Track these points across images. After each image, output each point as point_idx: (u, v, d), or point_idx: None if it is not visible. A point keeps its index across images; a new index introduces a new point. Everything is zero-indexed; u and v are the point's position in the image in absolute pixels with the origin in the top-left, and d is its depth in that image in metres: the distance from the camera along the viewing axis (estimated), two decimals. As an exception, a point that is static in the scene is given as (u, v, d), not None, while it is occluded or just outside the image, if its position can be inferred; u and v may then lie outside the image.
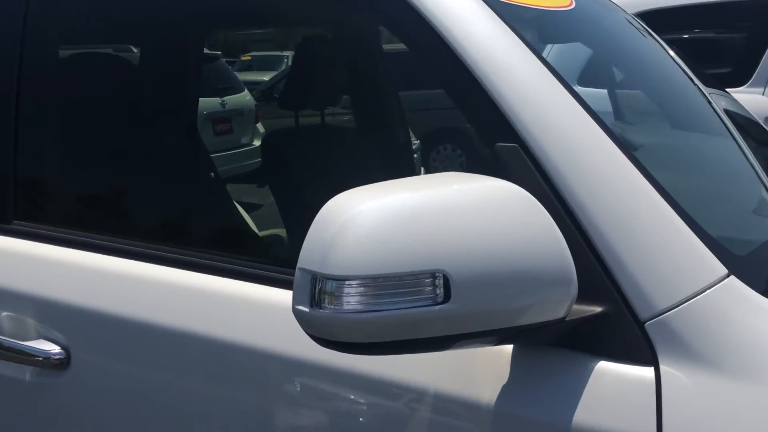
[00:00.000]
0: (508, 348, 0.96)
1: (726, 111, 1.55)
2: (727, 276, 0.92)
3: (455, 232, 0.79)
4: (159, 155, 2.13)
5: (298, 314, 0.79)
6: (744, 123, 1.68)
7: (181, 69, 2.44)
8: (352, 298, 0.77)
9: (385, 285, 0.77)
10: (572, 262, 0.86)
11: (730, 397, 0.85)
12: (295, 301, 0.80)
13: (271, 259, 1.77)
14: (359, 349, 0.80)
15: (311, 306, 0.78)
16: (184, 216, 2.09)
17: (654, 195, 0.94)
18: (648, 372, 0.89)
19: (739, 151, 1.38)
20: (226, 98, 7.25)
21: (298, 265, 0.80)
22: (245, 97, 7.74)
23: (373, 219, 0.78)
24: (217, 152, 6.64)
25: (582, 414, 0.89)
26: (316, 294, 0.77)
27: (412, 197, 0.80)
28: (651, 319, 0.89)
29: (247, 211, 2.84)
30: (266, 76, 11.24)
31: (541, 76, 1.01)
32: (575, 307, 0.90)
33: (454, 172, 0.91)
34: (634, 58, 1.56)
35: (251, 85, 8.44)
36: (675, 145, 1.25)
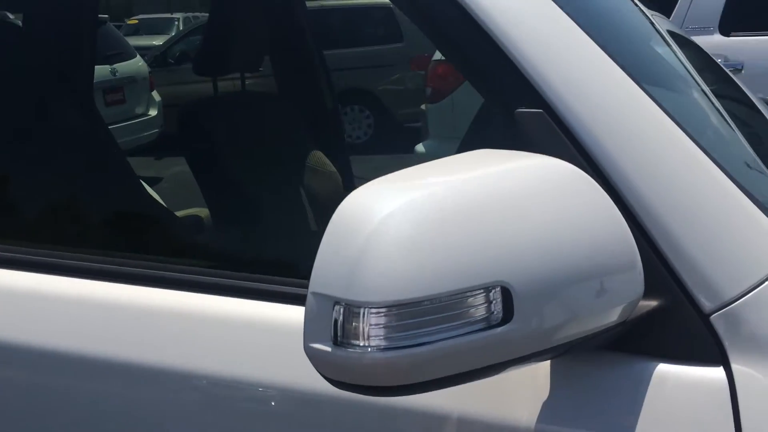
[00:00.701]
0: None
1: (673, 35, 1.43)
2: (797, 254, 0.79)
3: (513, 229, 0.61)
4: (51, 132, 1.84)
5: (314, 354, 0.60)
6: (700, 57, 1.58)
7: (74, 32, 2.13)
8: (390, 330, 0.58)
9: (431, 310, 0.59)
10: (638, 254, 0.70)
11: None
12: (310, 336, 0.60)
13: (193, 252, 1.53)
14: (399, 391, 0.61)
15: (335, 343, 0.58)
16: (86, 206, 1.82)
17: (710, 166, 0.80)
18: (717, 372, 0.75)
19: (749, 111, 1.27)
20: (117, 65, 6.72)
21: (311, 288, 0.60)
22: (137, 63, 7.23)
23: (409, 223, 0.59)
24: (109, 124, 6.16)
25: (644, 429, 0.75)
26: (340, 327, 0.58)
27: (453, 189, 0.62)
28: (717, 311, 0.76)
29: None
30: (156, 41, 10.60)
31: (564, 26, 0.84)
32: (631, 303, 0.75)
33: (483, 150, 0.73)
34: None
35: (141, 51, 7.88)
36: (700, 116, 1.11)
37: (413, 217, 0.59)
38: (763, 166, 1.12)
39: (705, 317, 0.76)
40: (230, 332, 0.94)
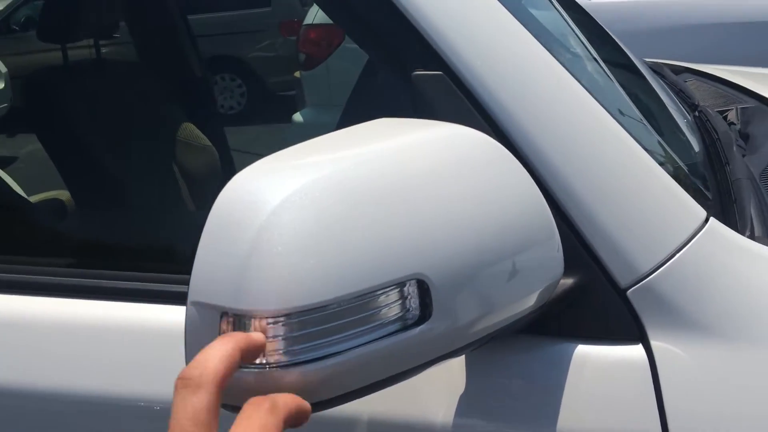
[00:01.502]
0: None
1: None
2: (707, 220, 0.76)
3: (426, 212, 0.53)
4: None
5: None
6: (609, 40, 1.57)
7: None
8: (291, 343, 0.48)
9: (338, 314, 0.49)
10: (557, 230, 0.64)
11: (738, 365, 0.70)
12: (191, 352, 0.49)
13: (50, 245, 1.36)
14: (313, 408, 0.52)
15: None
16: None
17: (621, 134, 0.75)
18: (637, 350, 0.71)
19: (644, 83, 1.24)
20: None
21: (191, 297, 0.49)
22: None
23: (307, 213, 0.48)
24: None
25: (566, 416, 0.70)
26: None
27: (354, 168, 0.52)
28: (633, 286, 0.71)
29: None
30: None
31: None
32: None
33: (382, 119, 0.64)
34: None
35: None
36: (604, 84, 1.07)
37: (310, 205, 0.49)
38: (657, 132, 1.10)
39: (622, 293, 0.72)
40: (98, 340, 0.81)
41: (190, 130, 2.27)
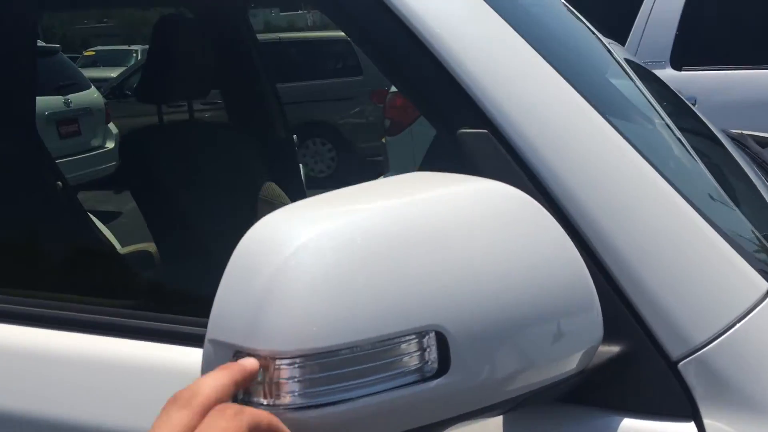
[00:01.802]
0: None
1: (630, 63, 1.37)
2: (769, 292, 0.71)
3: (449, 264, 0.52)
4: None
5: (212, 417, 0.49)
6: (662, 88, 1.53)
7: (9, 59, 2.02)
8: (302, 386, 0.48)
9: (352, 360, 0.49)
10: (596, 294, 0.61)
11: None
12: (207, 394, 0.49)
13: (140, 296, 1.41)
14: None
15: (234, 400, 0.48)
16: (26, 241, 1.70)
17: (675, 198, 0.72)
18: (688, 428, 0.66)
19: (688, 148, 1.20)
20: (71, 96, 6.55)
21: (208, 335, 0.50)
22: (92, 94, 7.06)
23: (326, 257, 0.49)
24: (65, 157, 5.99)
25: (607, 494, 0.66)
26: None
27: (379, 217, 0.52)
28: (685, 358, 0.67)
29: (103, 222, 2.43)
30: (114, 73, 10.44)
31: (512, 44, 0.76)
32: (589, 349, 0.66)
33: (417, 172, 0.64)
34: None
35: (98, 83, 7.71)
36: (663, 147, 1.04)
37: (331, 248, 0.49)
38: (728, 200, 1.05)
39: (673, 365, 0.67)
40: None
41: (272, 189, 2.34)
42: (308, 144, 7.06)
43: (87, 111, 6.67)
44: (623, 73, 1.26)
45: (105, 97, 7.45)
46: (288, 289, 0.47)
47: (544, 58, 0.77)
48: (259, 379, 0.47)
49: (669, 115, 1.24)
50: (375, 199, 0.55)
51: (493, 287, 0.53)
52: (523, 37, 0.78)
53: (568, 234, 0.68)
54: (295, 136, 2.66)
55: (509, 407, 0.60)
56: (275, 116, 2.52)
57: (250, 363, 0.45)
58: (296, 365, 0.47)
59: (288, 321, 0.47)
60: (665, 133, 1.07)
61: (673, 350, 0.67)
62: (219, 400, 0.43)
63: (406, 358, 0.51)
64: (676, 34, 3.83)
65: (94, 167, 6.36)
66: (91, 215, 2.10)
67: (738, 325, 0.68)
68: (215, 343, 0.49)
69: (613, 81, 1.16)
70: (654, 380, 0.68)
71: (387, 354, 0.50)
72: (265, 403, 0.47)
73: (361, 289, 0.49)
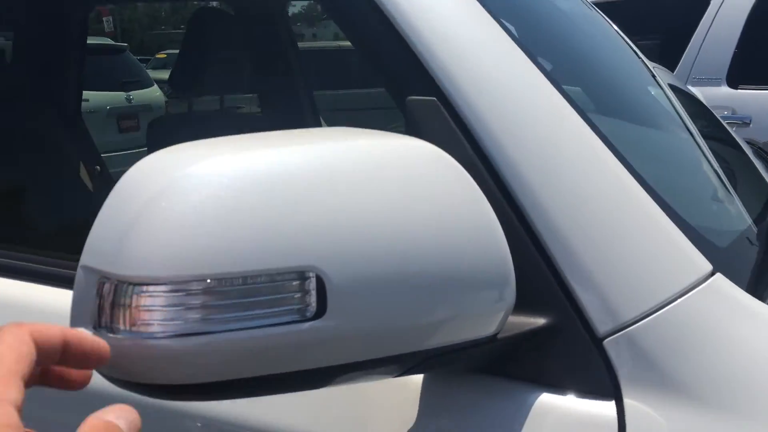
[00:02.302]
0: (416, 378, 0.69)
1: (673, 88, 1.34)
2: (712, 274, 0.68)
3: (336, 209, 0.51)
4: (28, 145, 1.82)
5: (79, 339, 0.49)
6: (693, 105, 1.48)
7: (55, 52, 2.12)
8: (166, 315, 0.48)
9: (223, 292, 0.48)
10: (509, 252, 0.59)
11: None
12: (75, 318, 0.50)
13: None
14: (181, 393, 0.51)
15: (97, 326, 0.48)
16: (57, 216, 1.77)
17: (620, 170, 0.69)
18: (608, 408, 0.64)
19: (691, 139, 1.16)
20: (133, 93, 6.78)
21: (81, 261, 0.50)
22: (155, 92, 7.28)
23: (206, 187, 0.49)
24: (122, 150, 6.18)
25: (519, 469, 0.64)
26: (106, 307, 0.48)
27: (272, 156, 0.52)
28: (612, 335, 0.64)
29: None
30: (181, 74, 10.68)
31: (470, 8, 0.75)
32: (511, 319, 0.64)
33: (344, 127, 0.64)
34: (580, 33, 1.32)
35: (164, 84, 7.96)
36: (631, 130, 1.01)
37: (215, 181, 0.49)
38: (724, 198, 1.01)
39: (598, 341, 0.65)
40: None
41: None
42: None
43: (147, 108, 6.88)
44: (624, 67, 1.22)
45: (167, 96, 7.67)
46: (160, 216, 0.48)
47: (506, 31, 0.76)
48: (123, 305, 0.47)
49: (680, 118, 1.20)
50: (278, 142, 0.55)
51: (384, 236, 0.52)
52: (485, 8, 0.77)
53: (506, 203, 0.67)
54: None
55: (408, 366, 0.59)
56: (308, 118, 2.54)
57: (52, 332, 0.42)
58: (157, 293, 0.47)
59: (155, 247, 0.47)
60: (657, 125, 1.04)
61: (600, 326, 0.64)
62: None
63: (284, 298, 0.50)
64: (735, 52, 3.71)
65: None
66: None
67: (671, 306, 0.65)
68: (85, 269, 0.49)
69: (604, 66, 1.13)
70: (577, 356, 0.65)
71: (261, 291, 0.49)
72: (124, 328, 0.47)
73: (238, 223, 0.49)
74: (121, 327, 0.47)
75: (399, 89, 0.76)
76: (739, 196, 1.04)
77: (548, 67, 0.78)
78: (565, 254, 0.65)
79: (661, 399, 0.62)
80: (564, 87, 0.76)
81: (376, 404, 0.69)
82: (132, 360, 0.48)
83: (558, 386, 0.66)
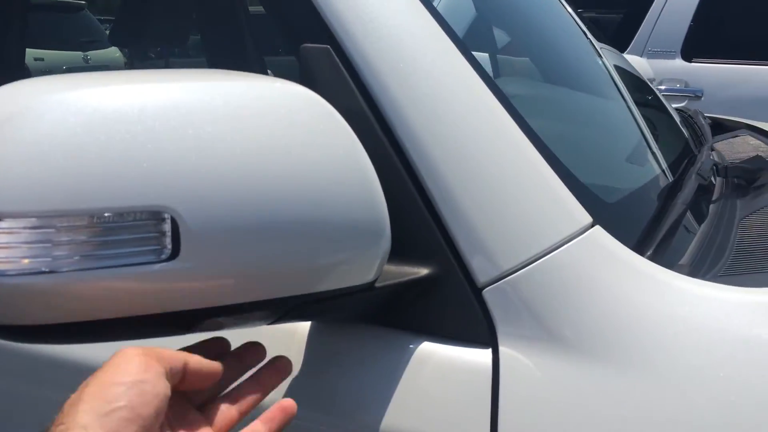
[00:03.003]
0: (303, 326, 0.69)
1: (616, 67, 1.34)
2: (592, 226, 0.69)
3: (197, 149, 0.51)
4: None
5: None
6: (633, 80, 1.49)
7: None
8: (13, 252, 0.47)
9: (73, 228, 0.48)
10: (383, 198, 0.60)
11: (585, 386, 0.62)
12: None
13: None
14: (37, 335, 0.50)
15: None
16: None
17: (505, 119, 0.70)
18: (484, 356, 0.65)
19: (622, 105, 1.17)
20: (90, 53, 6.61)
21: None
22: (114, 53, 7.10)
23: (58, 115, 0.48)
24: (80, 112, 6.02)
25: (395, 415, 0.64)
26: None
27: (134, 90, 0.51)
28: (492, 284, 0.65)
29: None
30: (144, 36, 10.45)
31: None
32: (389, 267, 0.64)
33: (220, 69, 0.63)
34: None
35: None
36: (547, 94, 1.01)
37: (69, 110, 0.48)
38: (630, 157, 1.02)
39: (478, 291, 0.66)
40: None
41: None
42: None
43: (105, 69, 6.72)
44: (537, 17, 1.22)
45: (127, 58, 7.50)
46: (5, 144, 0.46)
47: None
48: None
49: (597, 77, 1.20)
50: (145, 78, 0.54)
51: (248, 179, 0.52)
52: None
53: (393, 151, 0.67)
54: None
55: (279, 313, 0.59)
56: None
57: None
58: (6, 229, 0.46)
59: (6, 177, 0.46)
60: (562, 75, 1.04)
61: (481, 275, 0.65)
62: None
63: (139, 239, 0.50)
64: (690, 25, 3.73)
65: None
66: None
67: (549, 256, 0.66)
68: None
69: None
70: (457, 305, 0.66)
71: (113, 231, 0.49)
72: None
73: (89, 157, 0.48)
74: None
75: (295, 37, 0.75)
76: (651, 159, 1.05)
77: (450, 19, 0.78)
78: (447, 202, 0.66)
79: (537, 347, 0.64)
80: (464, 40, 0.76)
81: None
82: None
83: (438, 334, 0.66)
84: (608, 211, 0.74)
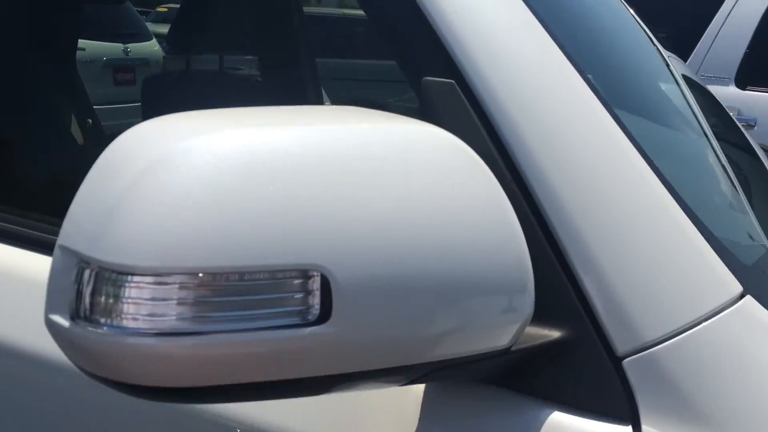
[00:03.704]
0: (419, 386, 0.64)
1: (687, 80, 1.28)
2: (742, 296, 0.63)
3: (347, 200, 0.46)
4: (19, 93, 1.74)
5: (52, 329, 0.44)
6: (707, 100, 1.43)
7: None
8: (153, 309, 0.42)
9: (217, 288, 0.43)
10: (530, 262, 0.54)
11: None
12: (51, 304, 0.44)
13: None
14: (167, 395, 0.46)
15: (75, 316, 0.43)
16: (41, 171, 1.71)
17: (648, 175, 0.64)
18: (623, 432, 0.59)
19: (707, 140, 1.11)
20: (130, 45, 6.64)
21: (58, 241, 0.45)
22: (153, 47, 7.13)
23: (204, 165, 0.43)
24: (117, 103, 6.08)
25: (521, 491, 0.59)
26: (85, 295, 0.43)
27: (277, 135, 0.46)
28: (632, 354, 0.60)
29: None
30: (180, 30, 10.52)
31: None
32: (525, 330, 0.59)
33: (351, 106, 0.58)
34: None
35: (162, 38, 7.80)
36: (654, 129, 0.96)
37: (214, 159, 0.43)
38: (743, 206, 0.96)
39: (617, 360, 0.60)
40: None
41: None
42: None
43: (144, 62, 6.75)
44: (648, 61, 1.16)
45: (165, 51, 7.53)
46: (148, 198, 0.42)
47: (534, 13, 0.70)
48: (105, 295, 0.42)
49: (699, 118, 1.14)
50: (283, 119, 0.49)
51: (396, 235, 0.47)
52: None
53: (525, 204, 0.62)
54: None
55: (414, 376, 0.54)
56: (308, 85, 2.46)
57: None
58: (145, 285, 0.42)
59: (142, 232, 0.41)
60: (678, 126, 0.98)
61: (620, 344, 0.60)
62: None
63: (284, 299, 0.45)
64: (746, 52, 3.65)
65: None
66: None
67: (697, 328, 0.60)
68: (63, 249, 0.44)
69: (632, 67, 1.07)
70: (594, 374, 0.60)
71: (262, 288, 0.44)
72: (104, 322, 0.42)
73: (237, 211, 0.43)
74: (102, 320, 0.42)
75: (414, 68, 0.70)
76: (754, 205, 0.99)
77: (573, 54, 0.72)
78: (586, 263, 0.60)
79: (681, 427, 0.58)
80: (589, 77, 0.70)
81: (375, 408, 0.64)
82: (114, 357, 0.42)
83: (571, 405, 0.61)
84: (752, 275, 0.68)
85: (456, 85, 0.65)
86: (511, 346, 0.57)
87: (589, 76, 0.69)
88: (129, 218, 0.42)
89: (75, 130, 2.19)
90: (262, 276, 0.44)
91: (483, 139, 0.63)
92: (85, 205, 0.44)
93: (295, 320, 0.46)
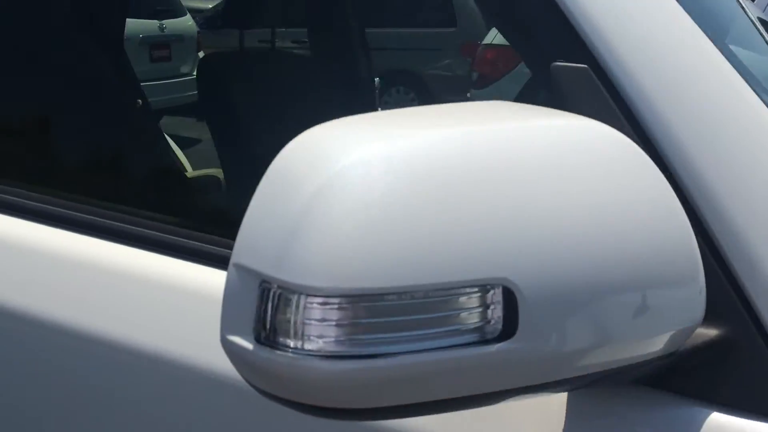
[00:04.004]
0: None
1: None
2: None
3: (529, 208, 0.43)
4: (69, 75, 1.73)
5: (232, 350, 0.42)
6: None
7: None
8: (336, 331, 0.40)
9: (399, 308, 0.41)
10: (701, 264, 0.51)
11: None
12: (228, 325, 0.42)
13: (203, 218, 1.38)
14: (346, 414, 0.44)
15: (258, 339, 0.41)
16: (98, 152, 1.70)
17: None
18: (790, 434, 0.56)
19: None
20: (165, 21, 6.62)
21: (233, 259, 0.43)
22: (187, 22, 7.11)
23: (381, 181, 0.41)
24: (152, 80, 6.09)
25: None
26: (268, 317, 0.41)
27: (449, 142, 0.44)
28: (798, 352, 0.56)
29: (181, 146, 2.44)
30: (211, 4, 10.53)
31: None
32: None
33: (497, 101, 0.54)
34: None
35: (195, 13, 7.77)
36: None
37: (385, 172, 0.41)
38: None
39: (780, 359, 0.57)
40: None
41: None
42: (391, 92, 6.94)
43: (179, 38, 6.73)
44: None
45: (199, 26, 7.51)
46: (330, 215, 0.40)
47: None
48: (288, 316, 0.40)
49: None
50: (444, 121, 0.47)
51: (578, 241, 0.44)
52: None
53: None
54: (378, 79, 2.57)
55: (579, 385, 0.52)
56: (359, 56, 2.43)
57: None
58: (331, 306, 0.40)
59: (327, 253, 0.39)
60: None
61: (784, 342, 0.56)
62: None
63: (464, 315, 0.43)
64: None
65: (181, 93, 6.45)
66: (168, 137, 2.10)
67: None
68: (240, 268, 0.42)
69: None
70: (755, 372, 0.57)
71: (442, 307, 0.42)
72: (291, 345, 0.40)
73: (417, 225, 0.41)
74: (291, 343, 0.40)
75: (542, 52, 0.66)
76: None
77: (711, 33, 0.68)
78: (744, 259, 0.57)
79: None
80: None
81: (519, 409, 0.62)
82: (301, 380, 0.41)
83: (731, 406, 0.58)
84: None
85: (590, 70, 0.61)
86: (677, 349, 0.54)
87: (732, 59, 0.65)
88: (307, 240, 0.40)
89: (128, 112, 2.18)
90: (443, 293, 0.42)
91: (623, 129, 0.59)
92: (262, 223, 0.41)
93: (475, 337, 0.43)
